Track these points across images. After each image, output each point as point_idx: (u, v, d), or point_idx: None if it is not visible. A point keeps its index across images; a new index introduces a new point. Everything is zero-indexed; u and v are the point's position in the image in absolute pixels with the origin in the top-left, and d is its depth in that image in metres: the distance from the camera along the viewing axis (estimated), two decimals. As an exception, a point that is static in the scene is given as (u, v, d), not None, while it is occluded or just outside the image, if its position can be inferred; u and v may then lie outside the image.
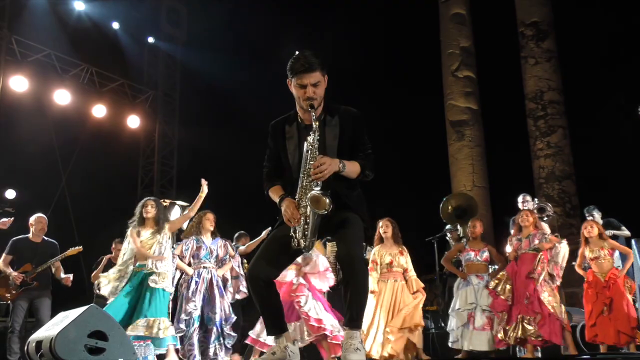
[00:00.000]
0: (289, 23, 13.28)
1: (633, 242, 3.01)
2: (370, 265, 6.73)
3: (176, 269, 6.43)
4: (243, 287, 6.70)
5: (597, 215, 8.29)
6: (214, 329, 6.35)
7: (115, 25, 13.64)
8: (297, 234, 3.26)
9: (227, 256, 6.72)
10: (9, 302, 7.10)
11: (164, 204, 6.84)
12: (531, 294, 6.37)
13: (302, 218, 3.23)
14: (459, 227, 9.47)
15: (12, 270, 6.99)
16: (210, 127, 13.23)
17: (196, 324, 6.28)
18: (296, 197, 3.29)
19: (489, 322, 6.72)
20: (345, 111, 3.44)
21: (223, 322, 6.39)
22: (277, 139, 3.50)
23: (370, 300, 6.44)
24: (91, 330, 3.73)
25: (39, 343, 3.78)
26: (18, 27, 11.97)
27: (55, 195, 12.32)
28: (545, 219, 8.02)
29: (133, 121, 13.88)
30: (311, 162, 3.20)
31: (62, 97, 12.23)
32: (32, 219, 7.36)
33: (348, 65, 11.66)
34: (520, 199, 8.22)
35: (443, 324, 8.06)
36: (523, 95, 11.81)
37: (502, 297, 6.55)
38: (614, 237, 7.78)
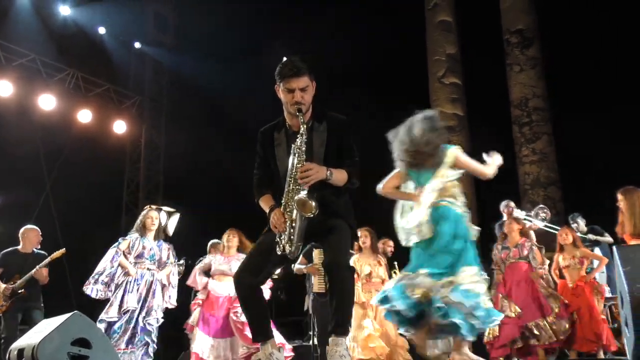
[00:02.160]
0: (277, 28, 13.29)
1: (614, 248, 3.03)
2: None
3: (118, 265, 6.12)
4: (172, 299, 6.37)
5: (581, 222, 8.33)
6: (142, 332, 6.01)
7: (102, 30, 13.57)
8: (283, 239, 3.27)
9: (169, 261, 6.39)
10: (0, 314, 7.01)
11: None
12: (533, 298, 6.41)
13: (288, 222, 3.24)
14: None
15: (0, 283, 6.91)
16: (198, 133, 13.19)
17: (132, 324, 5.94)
18: (282, 201, 3.30)
19: None
20: (333, 118, 3.46)
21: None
22: (266, 146, 3.50)
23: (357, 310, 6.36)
24: (74, 337, 3.69)
25: (20, 351, 3.74)
26: (2, 31, 11.89)
27: (40, 201, 12.23)
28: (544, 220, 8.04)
29: (119, 126, 13.78)
30: (298, 166, 3.21)
31: (47, 102, 12.10)
32: (21, 231, 7.28)
33: (334, 70, 11.68)
34: (502, 205, 8.20)
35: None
36: (509, 101, 11.89)
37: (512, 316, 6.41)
38: (597, 243, 7.85)
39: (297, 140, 3.26)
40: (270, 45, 12.78)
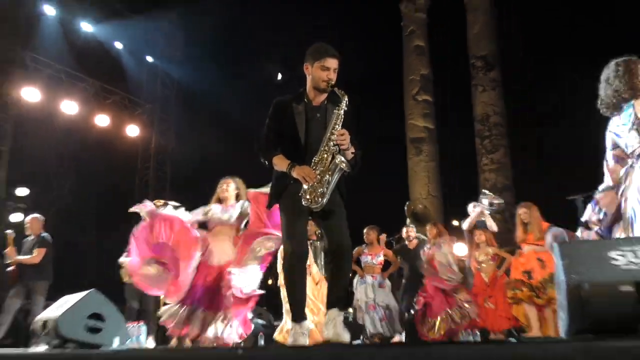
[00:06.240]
0: (271, 46, 13.36)
1: (554, 244, 3.14)
2: None
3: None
4: None
5: None
6: None
7: (119, 45, 13.57)
8: (309, 192, 3.15)
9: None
10: None
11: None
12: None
13: (326, 177, 3.14)
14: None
15: None
16: (202, 137, 13.22)
17: None
18: (315, 158, 3.20)
19: (385, 314, 6.90)
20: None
21: None
22: (284, 115, 3.36)
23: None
24: (90, 312, 3.75)
25: (44, 322, 3.79)
26: (32, 44, 11.91)
27: (61, 195, 12.21)
28: (494, 208, 8.09)
29: (132, 130, 13.79)
30: (336, 128, 3.20)
31: (69, 107, 12.13)
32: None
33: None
34: (470, 206, 8.29)
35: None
36: (473, 117, 12.02)
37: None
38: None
39: (337, 110, 3.26)
40: (265, 61, 12.88)
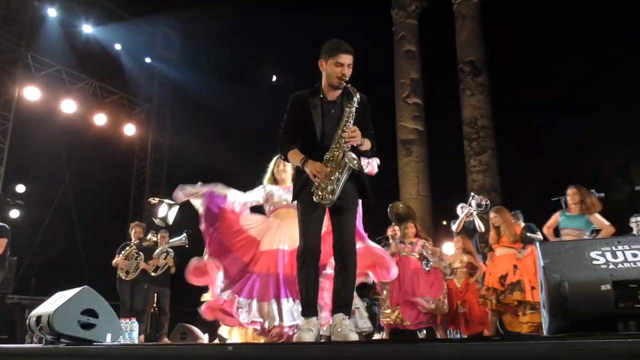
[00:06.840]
0: (264, 49, 13.35)
1: (537, 244, 3.14)
2: None
3: None
4: None
5: (521, 219, 8.38)
6: None
7: (118, 46, 13.51)
8: (320, 190, 3.10)
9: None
10: None
11: (153, 201, 6.60)
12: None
13: (336, 174, 3.08)
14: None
15: None
16: (196, 136, 13.18)
17: None
18: (327, 155, 3.14)
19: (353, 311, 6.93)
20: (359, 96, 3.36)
21: None
22: (301, 108, 3.29)
23: None
24: (84, 308, 3.70)
25: (38, 318, 3.74)
26: (34, 44, 11.87)
27: (59, 192, 12.13)
28: (483, 209, 8.07)
29: (129, 129, 13.78)
30: (347, 125, 3.14)
31: (68, 106, 12.13)
32: None
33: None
34: (459, 208, 8.28)
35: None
36: (461, 120, 12.02)
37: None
38: (531, 240, 7.94)
39: (349, 107, 3.19)
40: (258, 63, 12.84)
